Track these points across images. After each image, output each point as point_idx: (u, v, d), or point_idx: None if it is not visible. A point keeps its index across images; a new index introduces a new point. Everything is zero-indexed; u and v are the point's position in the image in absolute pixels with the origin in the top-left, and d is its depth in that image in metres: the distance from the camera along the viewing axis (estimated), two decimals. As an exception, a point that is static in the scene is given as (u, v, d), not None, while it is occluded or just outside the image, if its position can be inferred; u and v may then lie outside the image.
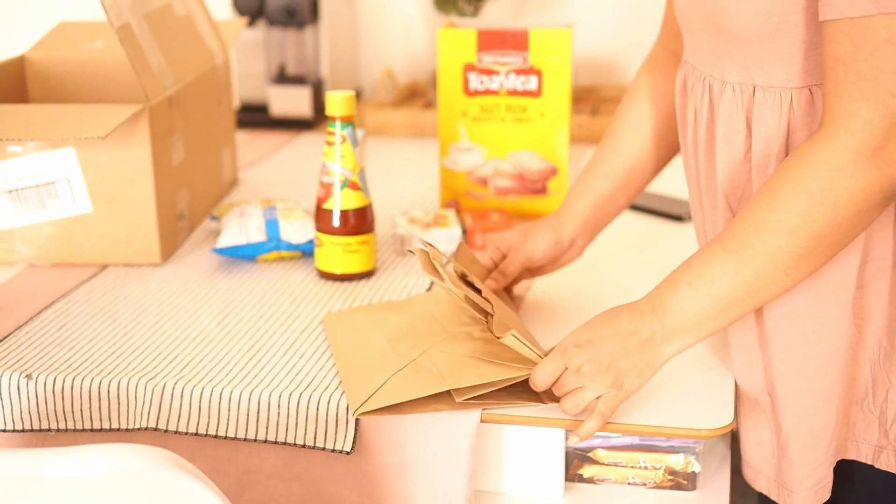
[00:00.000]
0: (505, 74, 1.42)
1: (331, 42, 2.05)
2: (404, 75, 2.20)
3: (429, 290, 1.22)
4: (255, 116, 2.01)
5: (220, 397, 0.99)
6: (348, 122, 1.22)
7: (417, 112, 1.95)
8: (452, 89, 1.44)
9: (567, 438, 0.99)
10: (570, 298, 1.19)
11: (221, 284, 1.24)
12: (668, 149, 1.14)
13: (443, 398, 0.96)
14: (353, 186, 1.23)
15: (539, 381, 0.93)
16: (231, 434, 0.98)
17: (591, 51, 2.11)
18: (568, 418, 0.94)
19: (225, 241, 1.29)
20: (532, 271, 1.15)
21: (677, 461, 1.00)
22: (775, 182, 0.87)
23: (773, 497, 1.00)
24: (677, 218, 1.46)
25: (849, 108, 0.83)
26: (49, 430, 1.01)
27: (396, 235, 1.34)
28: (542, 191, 1.46)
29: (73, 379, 1.01)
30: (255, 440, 0.98)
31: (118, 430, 1.00)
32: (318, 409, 0.97)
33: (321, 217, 1.24)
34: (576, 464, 1.01)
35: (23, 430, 1.02)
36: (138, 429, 0.99)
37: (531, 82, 1.41)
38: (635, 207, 1.49)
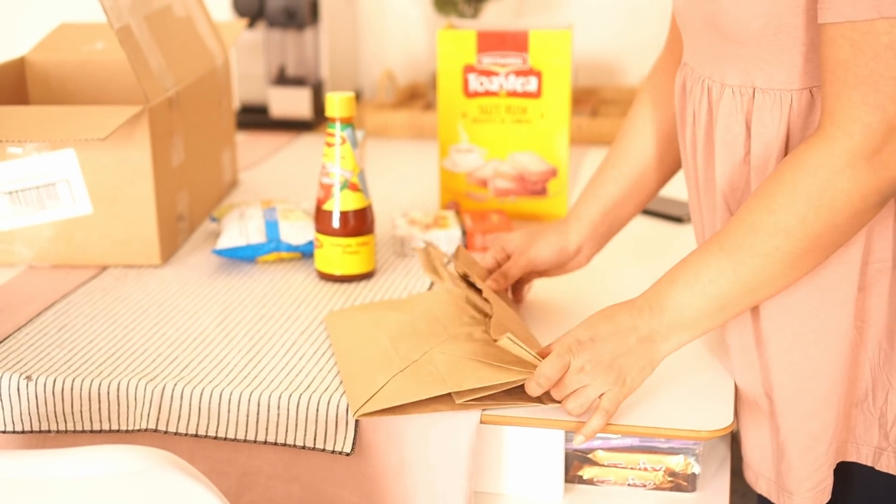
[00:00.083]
0: (505, 76, 1.42)
1: (331, 43, 2.05)
2: (404, 77, 2.20)
3: (430, 289, 1.22)
4: (254, 118, 2.01)
5: (220, 398, 0.99)
6: (348, 123, 1.22)
7: (417, 113, 1.95)
8: (452, 91, 1.44)
9: (567, 439, 0.99)
10: (569, 298, 1.19)
11: (221, 286, 1.24)
12: (677, 154, 1.14)
13: (443, 399, 0.96)
14: (353, 188, 1.23)
15: (543, 382, 0.92)
16: (231, 435, 0.98)
17: (590, 52, 2.11)
18: (568, 419, 0.94)
19: (225, 242, 1.29)
20: (539, 273, 1.16)
21: (677, 462, 1.00)
22: (773, 183, 0.87)
23: (773, 499, 1.00)
24: (677, 219, 1.46)
25: (848, 112, 0.83)
26: (49, 431, 1.01)
27: (396, 237, 1.34)
28: (541, 192, 1.46)
29: (73, 380, 1.01)
30: (255, 441, 0.98)
31: (118, 431, 1.00)
32: (317, 410, 0.97)
33: (321, 218, 1.24)
34: (575, 465, 1.01)
35: (23, 432, 1.02)
36: (138, 430, 0.99)
37: (531, 84, 1.41)
38: (635, 209, 1.49)
